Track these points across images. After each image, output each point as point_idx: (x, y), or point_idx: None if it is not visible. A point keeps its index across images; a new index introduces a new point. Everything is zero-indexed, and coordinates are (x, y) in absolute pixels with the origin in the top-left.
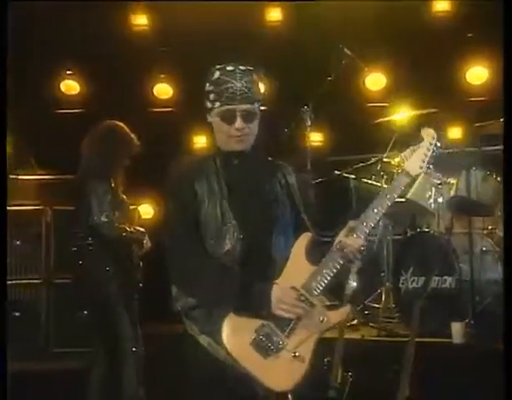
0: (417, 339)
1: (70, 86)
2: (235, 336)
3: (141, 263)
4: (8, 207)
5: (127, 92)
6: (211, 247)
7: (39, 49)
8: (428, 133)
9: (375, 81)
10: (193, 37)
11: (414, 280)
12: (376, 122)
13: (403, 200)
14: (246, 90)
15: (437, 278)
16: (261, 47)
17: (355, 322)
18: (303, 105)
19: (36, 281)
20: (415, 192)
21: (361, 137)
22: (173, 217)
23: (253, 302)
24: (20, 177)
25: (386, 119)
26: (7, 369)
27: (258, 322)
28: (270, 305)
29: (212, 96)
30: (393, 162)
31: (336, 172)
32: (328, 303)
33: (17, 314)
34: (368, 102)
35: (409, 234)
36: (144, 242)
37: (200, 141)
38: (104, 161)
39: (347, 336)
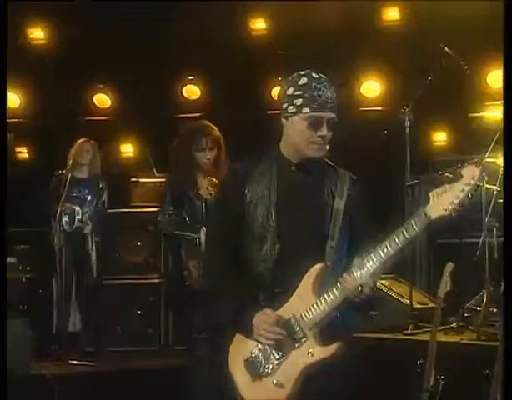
0: None
1: (191, 91)
2: (235, 350)
3: None
4: (129, 209)
5: (245, 95)
6: (249, 252)
7: (167, 55)
8: (469, 172)
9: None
10: (310, 39)
11: None
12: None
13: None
14: (334, 99)
15: None
16: (375, 47)
17: (454, 325)
18: (403, 106)
19: (156, 280)
20: None
21: (460, 137)
22: (216, 217)
23: (242, 325)
24: (141, 180)
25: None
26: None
27: (254, 344)
28: (251, 329)
29: (300, 101)
30: (498, 162)
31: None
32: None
33: (139, 312)
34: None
35: None
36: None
37: None
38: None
39: (445, 339)
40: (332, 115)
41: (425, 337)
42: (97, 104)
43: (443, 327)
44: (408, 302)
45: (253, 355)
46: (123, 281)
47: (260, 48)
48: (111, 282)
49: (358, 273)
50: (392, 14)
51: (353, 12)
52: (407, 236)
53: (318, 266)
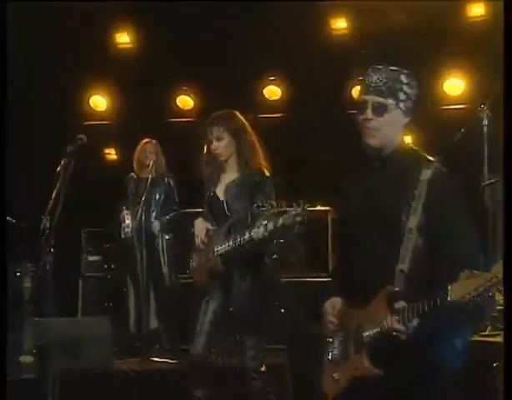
0: None
1: (272, 91)
2: None
3: None
4: (198, 209)
5: (326, 95)
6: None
7: (248, 55)
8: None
9: None
10: (392, 37)
11: None
12: None
13: None
14: (380, 83)
15: None
16: (458, 44)
17: None
18: (481, 104)
19: None
20: None
21: None
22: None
23: None
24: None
25: None
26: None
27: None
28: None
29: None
30: None
31: None
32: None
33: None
34: None
35: None
36: None
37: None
38: None
39: None
40: (377, 99)
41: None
42: (180, 106)
43: None
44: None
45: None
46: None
47: (341, 48)
48: (186, 281)
49: (402, 319)
50: (476, 11)
51: (436, 9)
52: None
53: (385, 289)
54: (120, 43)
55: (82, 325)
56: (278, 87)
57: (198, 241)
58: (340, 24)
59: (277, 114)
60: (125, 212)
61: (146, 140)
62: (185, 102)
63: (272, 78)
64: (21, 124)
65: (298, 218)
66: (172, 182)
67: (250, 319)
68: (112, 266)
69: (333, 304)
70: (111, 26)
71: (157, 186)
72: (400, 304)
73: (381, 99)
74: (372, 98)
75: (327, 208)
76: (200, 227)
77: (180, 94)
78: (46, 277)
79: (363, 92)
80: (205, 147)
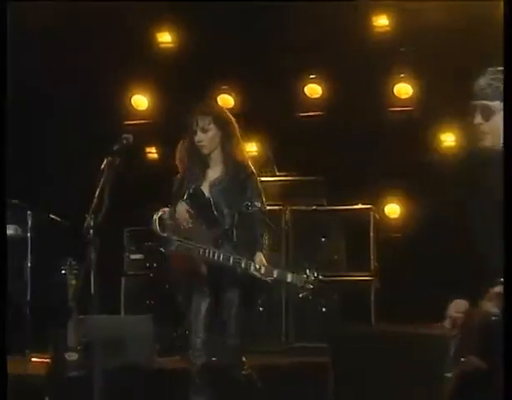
0: None
1: (312, 89)
2: None
3: None
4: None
5: (366, 92)
6: None
7: (288, 53)
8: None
9: None
10: (433, 35)
11: None
12: None
13: None
14: (486, 86)
15: None
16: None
17: None
18: None
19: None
20: None
21: None
22: None
23: None
24: (262, 178)
25: None
26: None
27: None
28: None
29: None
30: None
31: None
32: None
33: (260, 309)
34: None
35: None
36: None
37: (448, 139)
38: None
39: None
40: (485, 102)
41: None
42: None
43: None
44: None
45: None
46: None
47: (383, 45)
48: None
49: None
50: None
51: (478, 7)
52: None
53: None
54: (161, 43)
55: (124, 323)
56: (319, 85)
57: (180, 226)
58: (382, 21)
59: (318, 112)
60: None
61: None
62: (226, 100)
63: (312, 76)
64: (66, 124)
65: (308, 286)
66: None
67: (236, 323)
68: (155, 264)
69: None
70: (152, 25)
71: None
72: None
73: (488, 102)
74: (479, 103)
75: (368, 206)
76: (183, 214)
77: (221, 93)
78: (89, 275)
79: (475, 96)
80: (186, 139)
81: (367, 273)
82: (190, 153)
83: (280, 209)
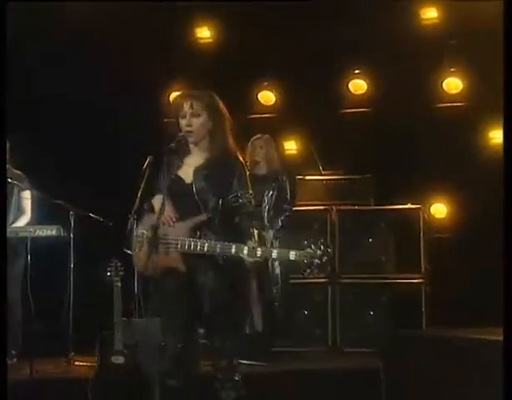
0: None
1: (357, 85)
2: None
3: None
4: (295, 208)
5: (414, 88)
6: None
7: (330, 48)
8: None
9: None
10: (481, 27)
11: None
12: None
13: None
14: None
15: None
16: None
17: None
18: None
19: (323, 280)
20: None
21: None
22: None
23: None
24: (307, 177)
25: None
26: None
27: None
28: None
29: None
30: None
31: None
32: None
33: (305, 312)
34: None
35: None
36: None
37: (498, 136)
38: None
39: None
40: None
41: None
42: (261, 101)
43: None
44: None
45: None
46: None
47: (431, 38)
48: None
49: None
50: None
51: None
52: None
53: None
54: (200, 38)
55: None
56: (364, 80)
57: (160, 220)
58: (430, 14)
59: (362, 109)
60: None
61: (256, 136)
62: (267, 97)
63: (357, 72)
64: (106, 124)
65: (316, 261)
66: (283, 179)
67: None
68: None
69: None
70: (191, 20)
71: (266, 183)
72: None
73: None
74: None
75: (418, 206)
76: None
77: (261, 90)
78: (133, 276)
79: None
80: (171, 126)
81: (417, 275)
82: (176, 141)
83: (326, 209)
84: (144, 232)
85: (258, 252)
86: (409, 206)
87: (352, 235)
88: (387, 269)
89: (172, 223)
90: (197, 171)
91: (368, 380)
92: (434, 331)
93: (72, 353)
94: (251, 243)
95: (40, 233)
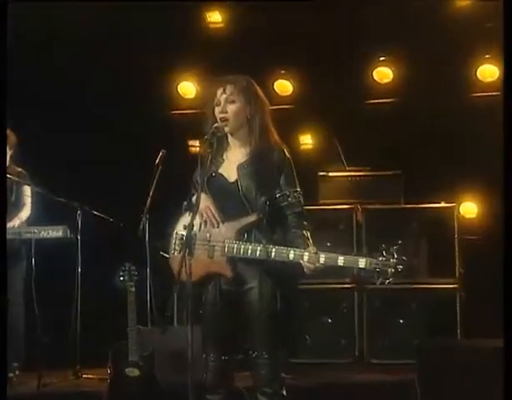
0: None
1: (383, 73)
2: None
3: None
4: (317, 206)
5: (445, 76)
6: None
7: (353, 33)
8: None
9: None
10: None
11: None
12: None
13: None
14: None
15: None
16: None
17: None
18: None
19: (348, 285)
20: None
21: None
22: None
23: None
24: (330, 174)
25: None
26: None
27: None
28: None
29: None
30: None
31: None
32: None
33: (329, 321)
34: None
35: None
36: None
37: None
38: None
39: None
40: None
41: None
42: (277, 91)
43: None
44: None
45: None
46: (310, 286)
47: (464, 22)
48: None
49: None
50: None
51: None
52: None
53: None
54: (211, 23)
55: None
56: (390, 68)
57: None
58: None
59: (388, 99)
60: None
61: None
62: (283, 86)
63: (382, 58)
64: (113, 121)
65: (391, 270)
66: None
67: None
68: None
69: None
70: (202, 5)
71: None
72: None
73: None
74: None
75: (453, 204)
76: (204, 203)
77: (278, 78)
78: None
79: None
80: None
81: (452, 280)
82: (211, 133)
83: (351, 208)
84: (184, 233)
85: (322, 259)
86: (442, 204)
87: (380, 236)
88: (418, 273)
89: (216, 225)
90: (241, 168)
91: (397, 394)
92: (469, 341)
93: (78, 366)
94: (312, 249)
95: (45, 235)
